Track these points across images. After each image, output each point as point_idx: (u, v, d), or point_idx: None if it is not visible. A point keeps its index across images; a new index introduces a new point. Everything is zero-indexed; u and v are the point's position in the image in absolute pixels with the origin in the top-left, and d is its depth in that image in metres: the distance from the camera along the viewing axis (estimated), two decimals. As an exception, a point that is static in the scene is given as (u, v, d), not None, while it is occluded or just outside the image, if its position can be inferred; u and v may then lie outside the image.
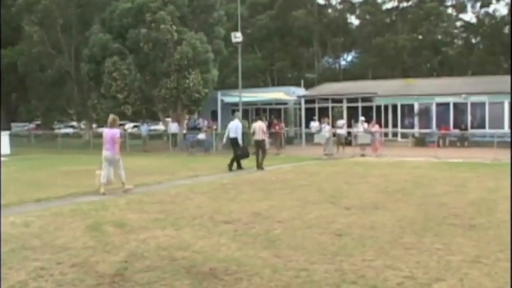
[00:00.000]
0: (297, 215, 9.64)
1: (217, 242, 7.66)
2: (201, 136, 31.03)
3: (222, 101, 35.53)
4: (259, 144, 20.07)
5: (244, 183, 14.82)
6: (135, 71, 32.77)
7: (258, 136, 20.11)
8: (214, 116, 37.01)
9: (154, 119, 45.29)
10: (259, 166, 19.57)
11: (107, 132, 13.65)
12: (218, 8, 36.35)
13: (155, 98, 33.87)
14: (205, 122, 35.40)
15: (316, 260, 6.63)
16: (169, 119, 36.95)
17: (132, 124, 50.41)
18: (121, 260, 6.72)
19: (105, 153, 13.38)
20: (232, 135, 20.03)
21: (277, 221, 9.10)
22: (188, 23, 34.02)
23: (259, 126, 20.41)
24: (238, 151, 19.60)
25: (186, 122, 36.43)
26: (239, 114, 22.72)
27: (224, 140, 20.98)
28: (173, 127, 33.82)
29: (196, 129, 34.21)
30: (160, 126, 43.57)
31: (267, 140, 21.82)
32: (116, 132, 13.62)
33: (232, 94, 36.74)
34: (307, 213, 9.87)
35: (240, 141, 19.91)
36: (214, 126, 33.16)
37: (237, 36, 32.82)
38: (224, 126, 32.27)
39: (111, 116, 13.98)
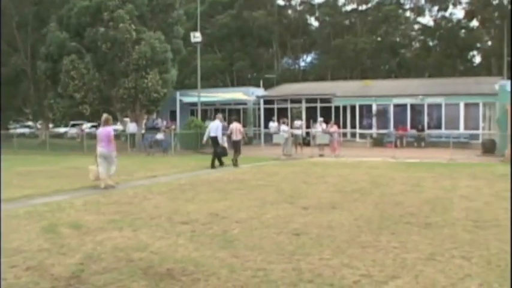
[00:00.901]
0: (255, 215, 9.68)
1: (174, 242, 7.64)
2: (160, 136, 30.82)
3: (180, 101, 35.35)
4: (236, 144, 21.43)
5: (202, 184, 14.79)
6: (93, 70, 32.35)
7: (235, 136, 21.53)
8: (173, 116, 36.80)
9: (112, 119, 44.67)
10: (234, 164, 20.82)
11: (100, 130, 14.44)
12: (177, 7, 36.15)
13: (113, 97, 33.48)
14: (164, 122, 35.21)
15: (274, 259, 6.68)
16: (127, 119, 36.57)
17: (89, 124, 49.69)
18: (77, 262, 6.64)
19: (101, 150, 14.19)
20: (212, 134, 21.10)
21: (235, 221, 9.12)
22: (147, 22, 33.73)
23: (236, 127, 21.81)
24: (218, 149, 20.80)
25: (144, 122, 36.08)
26: (220, 115, 23.41)
27: (204, 138, 21.81)
28: (131, 127, 33.45)
29: (154, 129, 33.95)
30: (118, 127, 43.09)
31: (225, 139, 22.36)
32: (110, 130, 14.34)
33: (191, 94, 36.61)
34: (264, 213, 9.92)
35: (220, 140, 20.99)
36: (173, 127, 32.95)
37: (197, 36, 32.75)
38: (183, 126, 32.26)
39: (104, 116, 14.81)
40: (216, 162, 20.65)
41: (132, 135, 32.72)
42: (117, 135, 37.90)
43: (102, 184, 13.97)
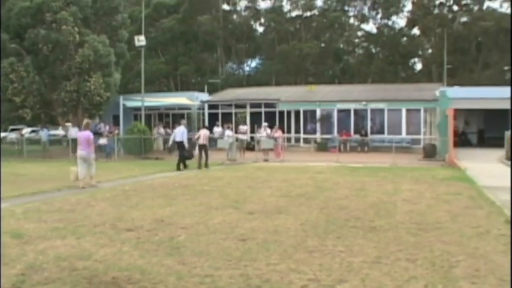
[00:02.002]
0: (201, 221, 9.61)
1: (119, 250, 7.50)
2: (103, 141, 30.24)
3: (124, 105, 34.89)
4: (203, 148, 22.54)
5: (146, 189, 14.60)
6: (33, 73, 31.57)
7: (202, 141, 22.61)
8: (116, 120, 36.25)
9: (54, 123, 43.76)
10: (205, 166, 22.15)
11: (81, 134, 15.96)
12: (122, 10, 35.70)
13: (54, 101, 32.76)
14: (107, 127, 34.59)
15: (221, 265, 6.64)
16: (69, 124, 35.82)
17: (29, 129, 48.39)
18: (18, 272, 6.41)
19: (81, 152, 15.43)
20: (178, 139, 22.43)
21: (180, 227, 9.03)
22: (91, 25, 33.18)
23: (204, 134, 23.04)
24: (184, 153, 22.23)
25: (86, 126, 35.35)
26: (184, 121, 25.19)
27: (170, 143, 23.86)
28: (73, 132, 32.72)
29: (97, 134, 33.23)
30: (59, 131, 42.12)
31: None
32: (89, 134, 15.69)
33: (135, 98, 36.18)
34: (210, 218, 9.86)
35: (186, 144, 22.30)
36: (116, 131, 32.44)
37: (141, 40, 32.38)
38: (126, 131, 31.80)
39: (85, 120, 16.66)
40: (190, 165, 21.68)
41: (74, 140, 31.96)
42: (59, 140, 37.39)
43: (80, 184, 15.07)
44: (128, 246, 7.69)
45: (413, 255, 7.14)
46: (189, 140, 23.12)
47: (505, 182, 16.50)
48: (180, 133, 22.65)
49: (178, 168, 21.43)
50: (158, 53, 62.20)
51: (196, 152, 23.04)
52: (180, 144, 22.42)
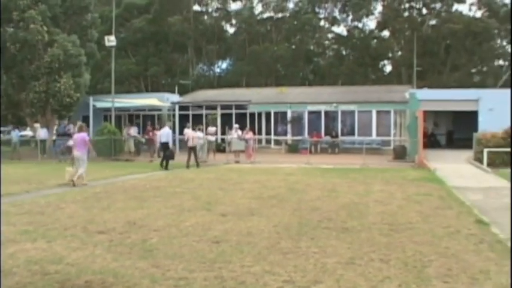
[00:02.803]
0: (173, 223, 9.58)
1: (91, 253, 7.43)
2: (72, 143, 29.88)
3: (94, 106, 34.55)
4: (193, 149, 24.13)
5: (117, 192, 14.49)
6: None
7: (191, 143, 24.13)
8: (85, 121, 35.75)
9: (22, 124, 43.13)
10: (197, 165, 23.67)
11: (76, 136, 17.32)
12: (92, 10, 35.32)
13: (22, 102, 32.26)
14: (76, 128, 34.14)
15: (195, 268, 6.62)
16: (37, 125, 35.32)
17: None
18: (-13, 276, 6.32)
19: (77, 153, 16.89)
20: (163, 140, 23.91)
21: (153, 230, 8.98)
22: (60, 24, 32.71)
23: (193, 135, 24.62)
24: (167, 153, 23.40)
25: (55, 127, 34.93)
26: (170, 123, 27.13)
27: (158, 144, 25.43)
28: (42, 133, 32.33)
29: (66, 135, 32.85)
30: (28, 132, 41.53)
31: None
32: (85, 135, 17.19)
33: (105, 99, 35.86)
34: (183, 220, 9.83)
35: (171, 145, 23.97)
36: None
37: (111, 40, 32.10)
38: (96, 132, 31.49)
39: (79, 123, 18.57)
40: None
41: (43, 141, 31.59)
42: (27, 141, 36.87)
43: (76, 181, 16.25)
44: (101, 249, 7.62)
45: (386, 255, 7.22)
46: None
47: (473, 182, 16.83)
48: (165, 134, 24.07)
49: (166, 168, 22.59)
50: (128, 54, 61.68)
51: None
52: (165, 145, 23.74)
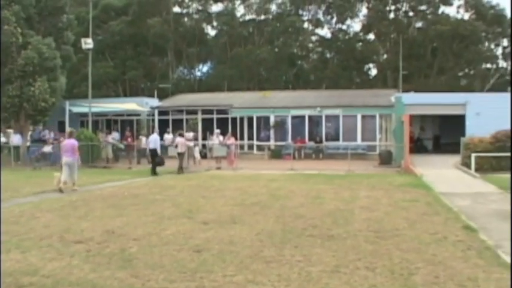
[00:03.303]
0: (153, 232, 9.55)
1: (68, 263, 7.38)
2: (47, 149, 29.70)
3: (70, 111, 34.34)
4: (181, 156, 25.24)
5: (95, 200, 14.41)
6: (-29, 76, 30.70)
7: (180, 149, 25.18)
8: (61, 127, 35.63)
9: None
10: (178, 171, 24.46)
11: (66, 142, 18.04)
12: (68, 11, 35.06)
13: (-5, 106, 31.94)
14: (52, 134, 33.92)
15: (176, 278, 6.61)
16: (11, 130, 34.99)
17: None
18: (-42, 288, 6.26)
19: (66, 159, 17.46)
20: (152, 146, 24.59)
21: (132, 239, 8.95)
22: (35, 26, 32.40)
23: (182, 142, 25.47)
24: (157, 159, 24.19)
25: (29, 133, 34.60)
26: (157, 129, 27.68)
27: (147, 151, 25.76)
28: (15, 139, 32.03)
29: (41, 141, 32.62)
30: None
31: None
32: (74, 142, 17.96)
33: (82, 104, 35.67)
34: (163, 229, 9.81)
35: (159, 152, 24.51)
36: (62, 139, 31.74)
37: (88, 43, 31.99)
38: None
39: (69, 129, 19.96)
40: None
41: (16, 147, 31.30)
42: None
43: (62, 186, 16.81)
44: (78, 260, 7.58)
45: (372, 263, 7.26)
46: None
47: (460, 188, 16.98)
48: (153, 141, 24.76)
49: (154, 173, 23.55)
50: (106, 57, 61.36)
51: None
52: (153, 152, 24.42)
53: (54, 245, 8.53)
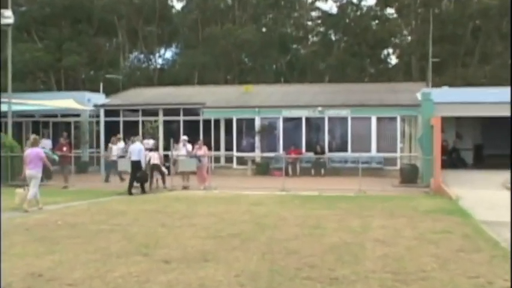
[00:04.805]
0: (96, 274, 9.52)
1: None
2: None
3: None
4: (156, 168, 26.69)
5: (16, 231, 14.30)
6: None
7: (154, 160, 26.52)
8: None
9: None
10: (164, 187, 26.44)
11: (30, 151, 19.27)
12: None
13: None
14: None
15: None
16: None
17: None
18: None
19: (30, 172, 18.79)
20: (134, 158, 25.41)
21: (67, 284, 8.92)
22: None
23: (154, 155, 26.88)
24: (139, 175, 25.19)
25: None
26: (140, 137, 28.34)
27: (127, 163, 26.34)
28: None
29: None
30: None
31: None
32: (40, 151, 19.41)
33: (-1, 100, 35.51)
34: (110, 270, 9.78)
35: (143, 165, 25.54)
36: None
37: (7, 16, 31.78)
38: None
39: (33, 136, 20.92)
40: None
41: None
42: None
43: (25, 205, 18.24)
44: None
45: (390, 317, 7.28)
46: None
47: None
48: (136, 151, 25.63)
49: (130, 192, 24.40)
50: (33, 36, 61.08)
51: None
52: (136, 164, 25.31)
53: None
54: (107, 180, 30.28)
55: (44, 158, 19.31)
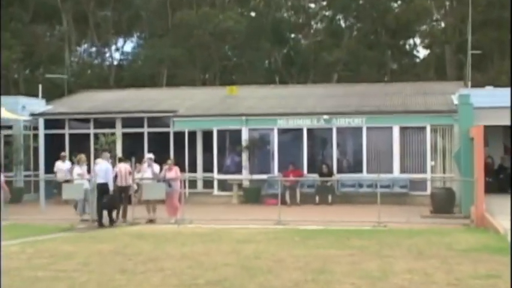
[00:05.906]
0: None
1: None
2: None
3: None
4: (123, 191, 27.13)
5: None
6: None
7: (121, 181, 27.04)
8: None
9: None
10: (124, 218, 26.67)
11: None
12: None
13: None
14: None
15: None
16: None
17: None
18: None
19: None
20: (101, 180, 26.08)
21: None
22: None
23: (124, 169, 27.41)
24: (105, 200, 25.86)
25: None
26: (107, 154, 28.47)
27: (91, 186, 26.75)
28: None
29: None
30: None
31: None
32: None
33: None
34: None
35: (111, 188, 26.20)
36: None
37: None
38: None
39: None
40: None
41: None
42: None
43: None
44: None
45: None
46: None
47: None
48: (102, 171, 26.39)
49: (100, 224, 25.26)
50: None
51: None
52: (103, 188, 26.01)
53: None
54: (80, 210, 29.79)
55: (3, 183, 19.48)
